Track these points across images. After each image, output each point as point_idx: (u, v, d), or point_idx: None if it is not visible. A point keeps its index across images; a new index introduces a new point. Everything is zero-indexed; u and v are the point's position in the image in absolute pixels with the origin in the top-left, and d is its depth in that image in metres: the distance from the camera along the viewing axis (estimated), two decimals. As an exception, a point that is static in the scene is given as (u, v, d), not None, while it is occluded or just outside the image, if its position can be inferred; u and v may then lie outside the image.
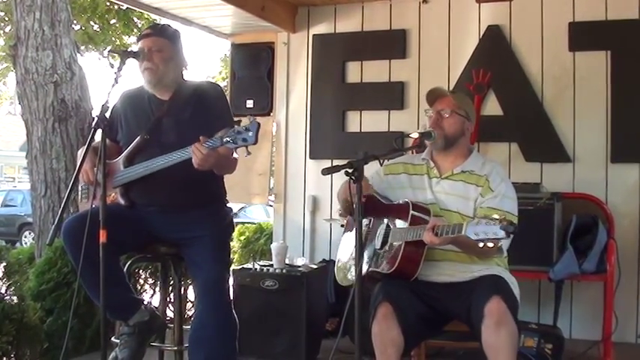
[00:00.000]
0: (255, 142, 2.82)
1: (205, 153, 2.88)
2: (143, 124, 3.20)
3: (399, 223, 3.02)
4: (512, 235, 2.52)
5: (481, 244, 2.56)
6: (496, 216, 2.57)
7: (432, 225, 2.78)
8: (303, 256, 5.16)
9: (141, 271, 5.20)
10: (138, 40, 3.25)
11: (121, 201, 3.19)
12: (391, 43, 5.48)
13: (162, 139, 3.15)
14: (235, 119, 2.93)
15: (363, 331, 2.66)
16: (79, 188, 3.36)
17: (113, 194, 3.20)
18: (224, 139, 2.85)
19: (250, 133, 2.80)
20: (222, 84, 11.70)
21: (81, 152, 3.13)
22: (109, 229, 2.75)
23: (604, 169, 4.87)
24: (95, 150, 3.01)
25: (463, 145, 3.15)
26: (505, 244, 2.91)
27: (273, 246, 4.61)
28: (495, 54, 5.14)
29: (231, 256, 3.62)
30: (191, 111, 3.19)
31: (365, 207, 2.88)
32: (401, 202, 3.08)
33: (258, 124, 2.84)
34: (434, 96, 3.17)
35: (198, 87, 3.30)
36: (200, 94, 3.25)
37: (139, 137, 3.16)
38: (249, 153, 2.85)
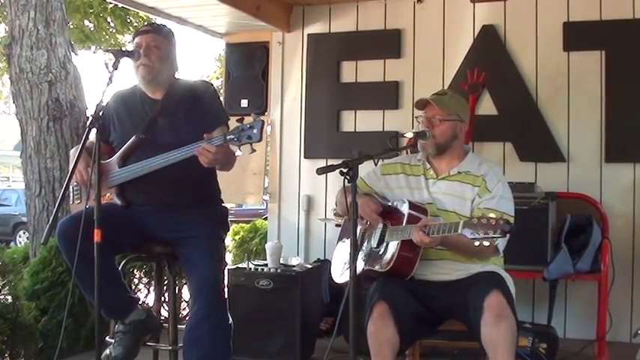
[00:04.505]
0: (260, 140, 2.82)
1: (214, 152, 2.88)
2: (137, 124, 3.19)
3: (396, 222, 3.02)
4: (508, 234, 2.53)
5: (477, 243, 2.56)
6: (493, 215, 2.58)
7: (423, 224, 2.78)
8: (297, 255, 5.15)
9: (135, 270, 5.19)
10: (134, 37, 3.23)
11: (118, 201, 3.18)
12: (386, 43, 5.49)
13: (158, 139, 3.13)
14: (237, 118, 2.92)
15: (358, 330, 2.66)
16: (71, 190, 3.34)
17: (108, 194, 3.19)
18: (227, 137, 2.85)
19: (255, 131, 2.81)
20: (216, 83, 11.71)
21: (74, 151, 3.11)
22: (104, 229, 2.74)
23: (598, 168, 4.88)
24: (88, 150, 3.00)
25: (457, 147, 3.14)
26: (502, 244, 2.92)
27: (268, 245, 4.60)
28: (490, 54, 5.15)
29: (226, 255, 3.61)
30: (186, 110, 3.18)
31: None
32: (399, 201, 3.09)
33: (263, 122, 2.83)
34: (423, 104, 3.16)
35: (190, 86, 3.29)
36: (193, 93, 3.24)
37: (134, 137, 3.15)
38: (253, 150, 2.86)
